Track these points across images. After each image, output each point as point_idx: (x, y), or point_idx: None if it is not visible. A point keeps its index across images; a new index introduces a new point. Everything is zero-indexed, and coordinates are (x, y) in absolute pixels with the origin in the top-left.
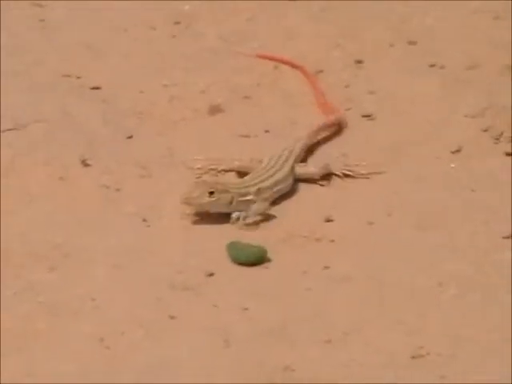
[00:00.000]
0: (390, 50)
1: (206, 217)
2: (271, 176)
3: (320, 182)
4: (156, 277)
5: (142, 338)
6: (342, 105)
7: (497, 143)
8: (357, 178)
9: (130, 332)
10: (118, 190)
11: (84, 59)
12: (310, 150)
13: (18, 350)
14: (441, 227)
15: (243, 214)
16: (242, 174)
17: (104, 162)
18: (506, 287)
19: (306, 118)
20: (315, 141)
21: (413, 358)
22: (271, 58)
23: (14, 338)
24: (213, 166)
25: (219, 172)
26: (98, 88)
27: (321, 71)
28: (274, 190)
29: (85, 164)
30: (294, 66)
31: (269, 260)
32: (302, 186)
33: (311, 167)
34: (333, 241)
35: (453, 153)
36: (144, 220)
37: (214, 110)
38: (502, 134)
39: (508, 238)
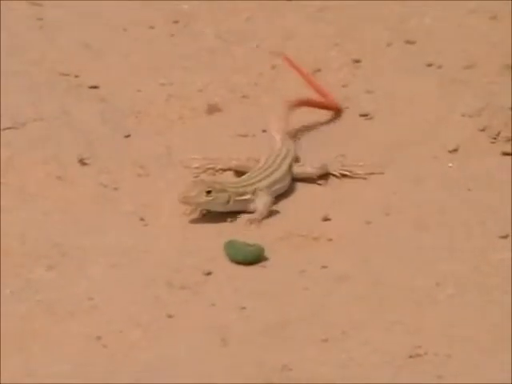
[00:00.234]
0: (387, 49)
1: (203, 216)
2: (269, 175)
3: (318, 182)
4: (153, 276)
5: (139, 337)
6: (340, 104)
7: (494, 143)
8: (354, 178)
9: (127, 331)
10: (115, 188)
11: (82, 58)
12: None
13: (15, 348)
14: (438, 227)
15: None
16: (239, 173)
17: (102, 161)
18: (503, 287)
19: (303, 118)
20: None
21: (410, 357)
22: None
23: (12, 337)
24: (210, 166)
25: (217, 171)
26: (96, 87)
27: (319, 70)
28: (272, 189)
29: (83, 163)
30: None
31: (266, 259)
32: (300, 186)
33: (309, 167)
34: (330, 240)
35: (450, 152)
36: (142, 219)
37: (212, 109)
38: (499, 133)
39: (505, 237)
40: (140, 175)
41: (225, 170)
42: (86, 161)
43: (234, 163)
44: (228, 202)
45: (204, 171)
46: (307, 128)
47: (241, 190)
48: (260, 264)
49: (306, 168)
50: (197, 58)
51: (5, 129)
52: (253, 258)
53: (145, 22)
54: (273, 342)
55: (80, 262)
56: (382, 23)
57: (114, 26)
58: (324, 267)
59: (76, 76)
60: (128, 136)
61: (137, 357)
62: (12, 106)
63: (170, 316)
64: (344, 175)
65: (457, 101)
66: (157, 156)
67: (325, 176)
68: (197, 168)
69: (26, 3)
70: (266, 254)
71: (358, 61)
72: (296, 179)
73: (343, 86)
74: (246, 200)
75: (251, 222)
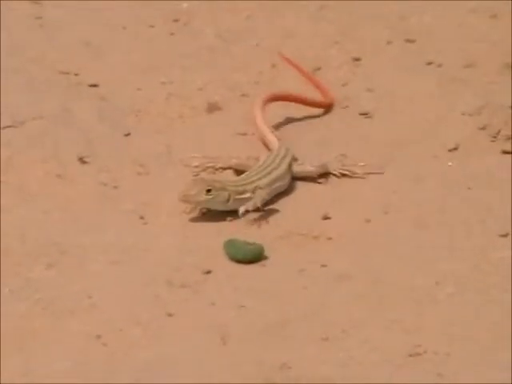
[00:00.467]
0: (387, 48)
1: (203, 214)
2: (269, 174)
3: (318, 180)
4: (153, 274)
5: (139, 336)
6: (340, 103)
7: (494, 141)
8: (354, 177)
9: (127, 329)
10: (115, 187)
11: (82, 57)
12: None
13: (15, 347)
14: (438, 225)
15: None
16: (239, 171)
17: (102, 160)
18: (503, 285)
19: (304, 117)
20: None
21: (410, 356)
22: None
23: (12, 336)
24: (210, 164)
25: (217, 170)
26: (96, 86)
27: (319, 69)
28: (272, 187)
29: (82, 161)
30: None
31: (266, 258)
32: (300, 184)
33: (308, 165)
34: (330, 239)
35: (450, 151)
36: (141, 217)
37: (212, 107)
38: (499, 132)
39: (505, 236)
40: (140, 174)
41: (225, 169)
42: (86, 159)
43: (233, 162)
44: (228, 200)
45: (204, 170)
46: (306, 126)
47: (241, 188)
48: (260, 263)
49: (306, 167)
50: (197, 56)
51: (4, 127)
52: (252, 256)
53: (145, 20)
54: (272, 341)
55: (80, 261)
56: (382, 22)
57: (114, 25)
58: (324, 266)
59: (76, 74)
60: (128, 134)
61: (137, 355)
62: (12, 104)
63: (169, 314)
64: (344, 175)
65: (457, 99)
66: (157, 154)
67: (325, 175)
68: (197, 166)
69: (26, 2)
70: (266, 252)
71: (357, 59)
72: (296, 178)
73: (343, 85)
74: (245, 199)
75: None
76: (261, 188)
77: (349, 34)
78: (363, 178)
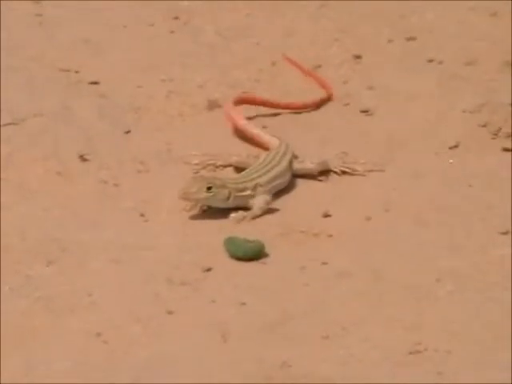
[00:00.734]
0: (388, 45)
1: (203, 212)
2: (269, 171)
3: (318, 178)
4: (153, 272)
5: (139, 334)
6: (341, 100)
7: (495, 139)
8: (354, 175)
9: (127, 327)
10: (115, 185)
11: (82, 54)
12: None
13: (15, 345)
14: (438, 223)
15: (243, 213)
16: (239, 169)
17: (102, 157)
18: (503, 283)
19: (303, 115)
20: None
21: (410, 353)
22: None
23: (12, 334)
24: (210, 162)
25: (217, 167)
26: (96, 83)
27: (319, 66)
28: (272, 185)
29: (83, 159)
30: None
31: (266, 255)
32: (300, 182)
33: (309, 163)
34: (331, 236)
35: (451, 148)
36: (142, 215)
37: (212, 105)
38: (499, 129)
39: (506, 233)
40: (140, 171)
41: (225, 167)
42: (86, 157)
43: (234, 159)
44: (228, 198)
45: (204, 167)
46: (307, 123)
47: (241, 185)
48: (260, 260)
49: (306, 164)
50: (197, 54)
51: (5, 125)
52: (253, 254)
53: (145, 18)
54: (273, 339)
55: (80, 258)
56: (383, 20)
57: (114, 23)
58: (324, 263)
59: (76, 72)
60: (128, 132)
61: (137, 353)
62: (12, 101)
63: (169, 312)
64: (344, 172)
65: (457, 97)
66: (157, 152)
67: (325, 172)
68: (197, 164)
69: (26, 1)
70: (266, 250)
71: (358, 57)
72: (296, 175)
73: (344, 83)
74: (246, 196)
75: (238, 221)
76: (261, 185)
77: (349, 32)
78: (364, 175)
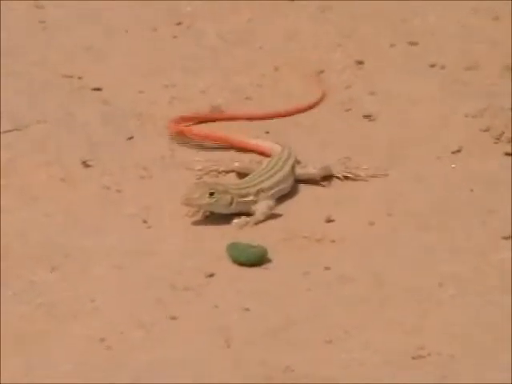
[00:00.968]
0: (390, 50)
1: (206, 217)
2: (271, 176)
3: (321, 183)
4: (156, 277)
5: (142, 339)
6: (343, 105)
7: (497, 143)
8: (357, 180)
9: (130, 333)
10: (118, 191)
11: (85, 60)
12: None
13: (17, 351)
14: (441, 227)
15: (246, 219)
16: (242, 175)
17: (105, 163)
18: (505, 288)
19: (306, 120)
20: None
21: (413, 358)
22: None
23: (14, 339)
24: (213, 167)
25: (219, 173)
26: (98, 89)
27: (321, 72)
28: (275, 190)
29: (86, 165)
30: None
31: (269, 260)
32: (303, 187)
33: (311, 168)
34: (333, 241)
35: (453, 153)
36: (144, 221)
37: (215, 110)
38: (502, 134)
39: (508, 238)
40: (143, 177)
41: (227, 172)
42: (89, 163)
43: (236, 165)
44: (231, 203)
45: (207, 173)
46: (309, 128)
47: (244, 191)
48: (263, 265)
49: (309, 169)
50: (199, 59)
51: (7, 131)
52: (256, 259)
53: (147, 23)
54: (276, 343)
55: (83, 264)
56: (385, 24)
57: (117, 28)
58: (327, 268)
59: (79, 78)
60: (131, 138)
61: (140, 358)
62: (14, 108)
63: (173, 317)
64: (347, 177)
65: (459, 101)
66: (159, 158)
67: (328, 177)
68: (199, 170)
69: (28, 4)
70: (269, 255)
71: (360, 62)
72: (299, 180)
73: (346, 87)
74: (248, 201)
75: (241, 226)
76: (264, 191)
77: (351, 37)
78: (366, 180)
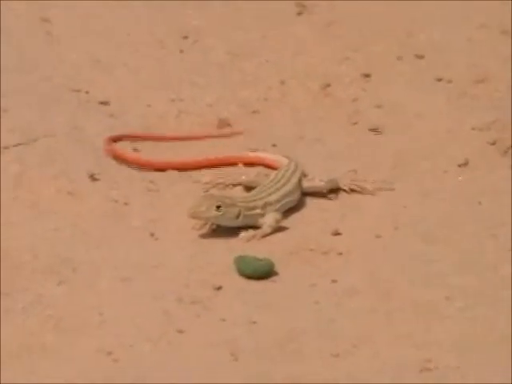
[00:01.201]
0: (397, 63)
1: (213, 231)
2: (278, 189)
3: (327, 196)
4: (163, 290)
5: (149, 352)
6: (350, 118)
7: (504, 156)
8: (364, 193)
9: (137, 346)
10: (126, 204)
11: (92, 74)
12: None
13: (25, 363)
14: (448, 240)
15: (253, 232)
16: (249, 188)
17: (112, 177)
18: None
19: (313, 133)
20: None
21: (421, 371)
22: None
23: (22, 352)
24: (220, 180)
25: (226, 186)
26: (106, 103)
27: (328, 85)
28: (282, 203)
29: (93, 178)
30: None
31: (276, 273)
32: (310, 200)
33: (318, 181)
34: (340, 254)
35: (460, 166)
36: (152, 234)
37: (222, 124)
38: (509, 147)
39: None
40: (150, 190)
41: (235, 185)
42: (97, 176)
43: (243, 178)
44: (238, 216)
45: (214, 186)
46: (316, 142)
47: (251, 204)
48: (270, 278)
49: (316, 182)
50: (206, 73)
51: (16, 145)
52: (263, 272)
53: (154, 37)
54: (283, 356)
55: (90, 277)
56: (392, 38)
57: (124, 42)
58: (334, 281)
59: (86, 92)
60: (138, 151)
61: (147, 371)
62: (23, 122)
63: (180, 331)
64: (353, 190)
65: (466, 115)
66: (167, 171)
67: (334, 190)
68: (207, 183)
69: (35, 19)
70: (276, 268)
71: (367, 75)
72: (305, 193)
73: (353, 101)
74: (255, 214)
75: (248, 239)
76: (271, 204)
77: (358, 50)
78: (373, 193)
